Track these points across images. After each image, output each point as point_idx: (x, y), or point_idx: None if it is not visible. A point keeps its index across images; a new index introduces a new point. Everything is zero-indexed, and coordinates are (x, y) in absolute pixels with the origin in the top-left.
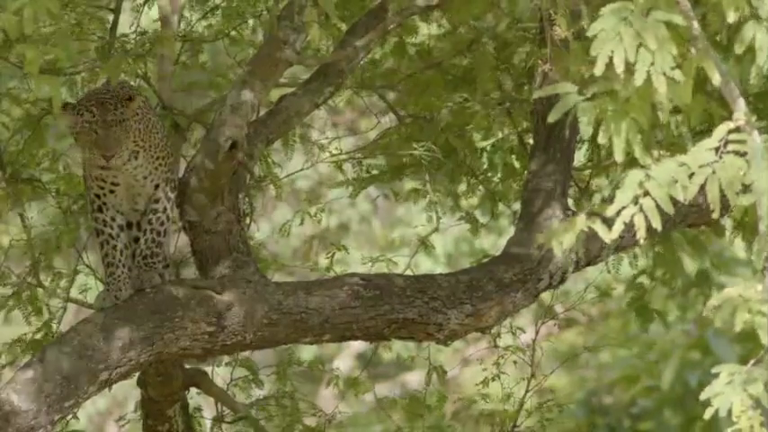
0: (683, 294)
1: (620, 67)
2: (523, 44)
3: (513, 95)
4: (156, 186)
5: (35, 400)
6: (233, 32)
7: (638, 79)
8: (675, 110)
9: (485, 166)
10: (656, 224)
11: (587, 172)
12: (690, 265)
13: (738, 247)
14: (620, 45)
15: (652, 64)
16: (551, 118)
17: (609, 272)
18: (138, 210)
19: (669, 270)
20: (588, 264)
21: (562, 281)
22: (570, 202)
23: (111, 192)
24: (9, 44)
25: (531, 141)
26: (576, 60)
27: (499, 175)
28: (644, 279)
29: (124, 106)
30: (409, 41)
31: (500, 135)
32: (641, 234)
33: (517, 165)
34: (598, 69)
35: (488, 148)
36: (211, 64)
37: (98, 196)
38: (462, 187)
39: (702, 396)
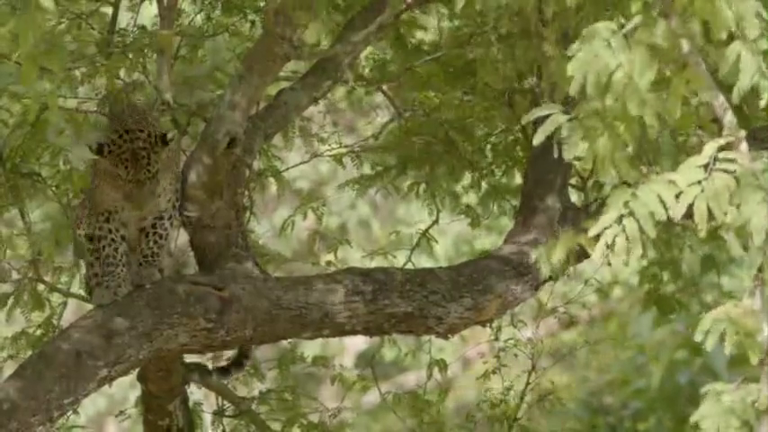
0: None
1: (593, 91)
2: (525, 36)
3: (514, 87)
4: (168, 200)
5: (35, 397)
6: (232, 27)
7: (610, 100)
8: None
9: (488, 159)
10: (638, 250)
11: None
12: (692, 260)
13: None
14: (596, 68)
15: (627, 88)
16: (536, 141)
17: (609, 264)
18: (144, 226)
19: (671, 264)
20: (588, 256)
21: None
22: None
23: (124, 209)
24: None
25: None
26: (562, 76)
27: (503, 167)
28: (655, 270)
29: (158, 152)
30: (410, 34)
31: (502, 127)
32: (621, 258)
33: (521, 155)
34: (573, 90)
35: (492, 139)
36: (211, 58)
37: (108, 210)
38: (465, 182)
39: (692, 419)
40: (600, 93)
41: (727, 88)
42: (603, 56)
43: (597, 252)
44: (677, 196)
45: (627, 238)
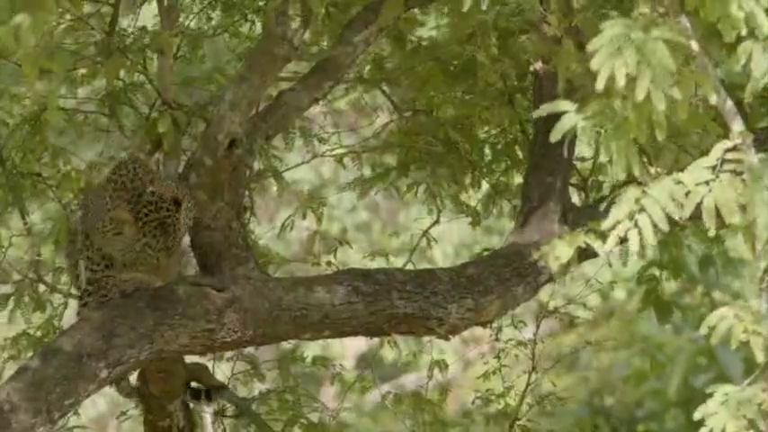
0: (689, 289)
1: (621, 82)
2: (525, 34)
3: (515, 85)
4: None
5: (35, 398)
6: (231, 27)
7: (640, 94)
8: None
9: (488, 158)
10: (652, 240)
11: (589, 164)
12: (695, 257)
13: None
14: (622, 59)
15: (652, 81)
16: (553, 138)
17: (609, 265)
18: None
19: (673, 264)
20: (589, 257)
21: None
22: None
23: None
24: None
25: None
26: (568, 57)
27: (503, 166)
28: (654, 270)
29: (177, 213)
30: (411, 34)
31: (502, 126)
32: (635, 249)
33: (521, 155)
34: (600, 84)
35: (491, 138)
36: (211, 59)
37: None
38: (466, 181)
39: (696, 416)
40: (627, 88)
41: (732, 94)
42: (628, 50)
43: (609, 244)
44: (686, 195)
45: (640, 232)
